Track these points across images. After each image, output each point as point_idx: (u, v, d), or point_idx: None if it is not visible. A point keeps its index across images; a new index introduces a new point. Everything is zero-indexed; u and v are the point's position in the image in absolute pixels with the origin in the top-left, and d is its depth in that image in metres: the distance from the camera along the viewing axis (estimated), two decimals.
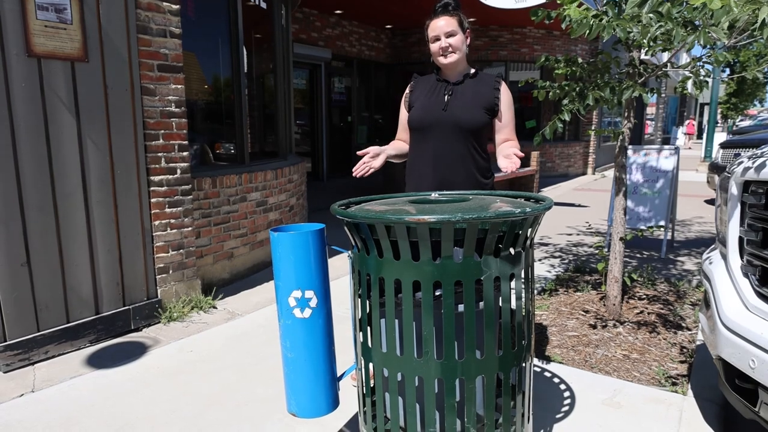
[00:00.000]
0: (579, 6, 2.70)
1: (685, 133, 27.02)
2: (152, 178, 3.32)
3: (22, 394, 2.51)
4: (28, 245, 2.75)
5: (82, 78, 2.89)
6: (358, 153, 2.27)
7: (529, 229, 1.58)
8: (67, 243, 2.91)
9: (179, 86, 3.42)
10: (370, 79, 12.55)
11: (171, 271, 3.50)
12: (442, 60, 2.36)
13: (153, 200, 3.34)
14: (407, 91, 2.53)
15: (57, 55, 2.77)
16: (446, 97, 2.37)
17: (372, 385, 1.79)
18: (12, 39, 2.60)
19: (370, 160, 2.26)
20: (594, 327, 3.29)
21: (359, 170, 2.24)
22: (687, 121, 28.74)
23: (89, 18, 2.89)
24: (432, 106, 2.37)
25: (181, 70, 3.42)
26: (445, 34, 2.31)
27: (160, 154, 3.36)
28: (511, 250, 1.55)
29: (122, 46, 3.06)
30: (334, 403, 1.75)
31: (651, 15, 2.53)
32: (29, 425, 2.25)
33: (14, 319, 2.73)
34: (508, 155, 2.16)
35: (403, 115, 2.54)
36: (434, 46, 2.36)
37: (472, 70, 2.43)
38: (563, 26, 2.84)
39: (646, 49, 2.88)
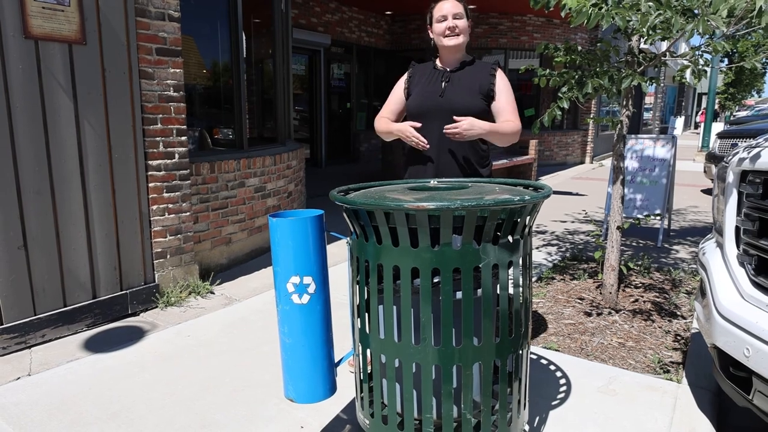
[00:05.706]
0: None
1: (698, 122, 29.54)
2: (150, 162, 3.31)
3: (19, 378, 2.52)
4: (24, 228, 2.74)
5: (80, 61, 2.86)
6: (411, 126, 2.27)
7: (528, 217, 1.58)
8: (65, 226, 2.90)
9: (178, 70, 3.40)
10: (370, 66, 12.47)
11: (169, 256, 3.50)
12: (446, 41, 2.34)
13: (151, 185, 3.33)
14: (405, 77, 2.51)
15: (54, 37, 2.74)
16: (443, 83, 2.36)
17: (369, 371, 1.80)
18: (9, 20, 2.57)
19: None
20: (590, 315, 3.31)
21: (422, 144, 2.26)
22: (700, 111, 30.57)
23: (87, 0, 2.85)
24: (429, 92, 2.36)
25: (179, 54, 3.39)
26: (453, 15, 2.31)
27: (158, 139, 3.34)
28: (510, 238, 1.56)
29: (120, 29, 3.03)
30: (331, 388, 1.76)
31: (650, 3, 2.51)
32: (26, 408, 2.26)
33: (11, 303, 2.73)
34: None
35: (395, 97, 2.50)
36: (440, 26, 2.34)
37: (470, 58, 2.42)
38: (563, 14, 2.82)
39: (646, 37, 2.87)
